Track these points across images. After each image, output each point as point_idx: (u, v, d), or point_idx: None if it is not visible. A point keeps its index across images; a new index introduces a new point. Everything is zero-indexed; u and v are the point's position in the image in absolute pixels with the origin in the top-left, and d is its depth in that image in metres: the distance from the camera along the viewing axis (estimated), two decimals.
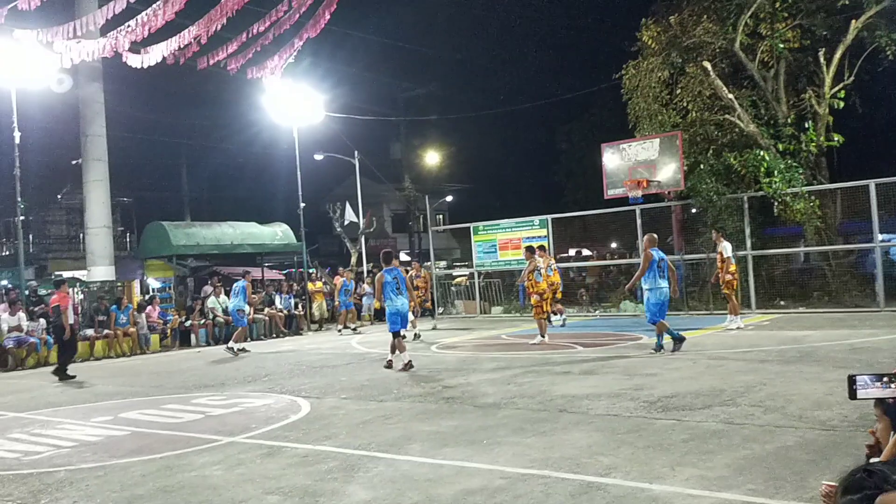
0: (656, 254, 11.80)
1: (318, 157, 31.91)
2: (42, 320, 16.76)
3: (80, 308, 18.64)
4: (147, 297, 21.29)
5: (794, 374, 8.89)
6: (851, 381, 2.83)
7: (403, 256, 39.97)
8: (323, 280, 24.07)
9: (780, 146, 18.97)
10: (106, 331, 17.54)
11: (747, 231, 18.25)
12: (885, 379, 2.80)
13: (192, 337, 19.31)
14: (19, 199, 17.69)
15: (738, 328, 14.44)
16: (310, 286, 22.83)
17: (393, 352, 11.81)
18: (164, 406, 9.63)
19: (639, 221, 19.80)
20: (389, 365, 11.70)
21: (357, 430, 7.31)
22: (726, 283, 14.87)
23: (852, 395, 2.83)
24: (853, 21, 18.31)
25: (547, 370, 10.56)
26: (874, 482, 1.74)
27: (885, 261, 16.91)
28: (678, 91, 21.13)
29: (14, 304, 16.60)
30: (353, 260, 27.44)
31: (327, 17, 12.61)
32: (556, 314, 16.58)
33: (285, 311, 21.23)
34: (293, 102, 23.17)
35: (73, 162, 22.96)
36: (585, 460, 5.66)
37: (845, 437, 5.80)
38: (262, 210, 34.22)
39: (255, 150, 39.31)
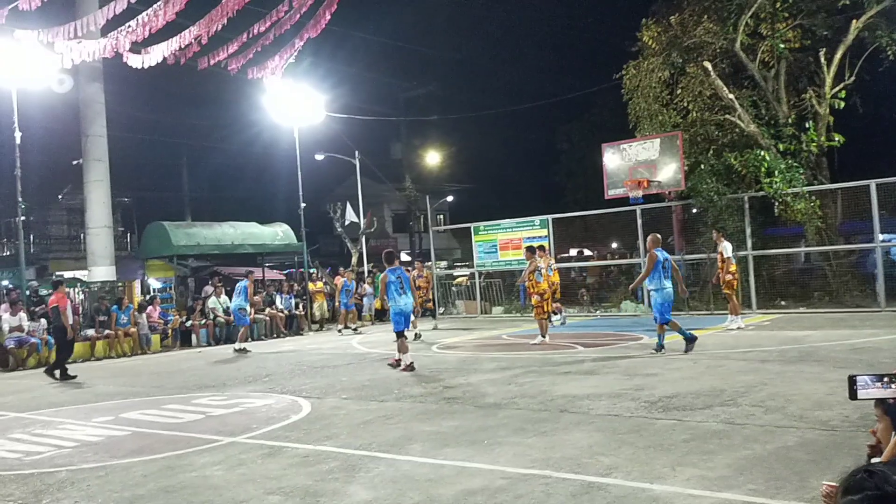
0: (661, 254, 11.79)
1: (319, 157, 31.92)
2: (43, 320, 16.77)
3: (80, 308, 18.67)
4: (148, 297, 21.30)
5: (794, 375, 8.89)
6: (852, 381, 2.83)
7: (404, 256, 39.96)
8: (324, 280, 24.07)
9: (781, 146, 18.96)
10: (107, 331, 17.55)
11: (748, 231, 18.25)
12: (886, 379, 2.80)
13: (193, 337, 19.32)
14: (20, 199, 17.69)
15: (738, 328, 14.44)
16: (310, 286, 22.83)
17: (400, 351, 11.81)
18: (165, 406, 9.64)
19: (639, 221, 19.80)
20: (397, 364, 11.65)
21: (358, 431, 7.31)
22: (727, 284, 14.88)
23: (853, 395, 2.84)
24: (854, 21, 18.31)
25: (548, 370, 10.57)
26: (875, 483, 1.74)
27: (885, 261, 16.90)
28: (679, 91, 21.13)
29: (15, 304, 16.61)
30: (354, 260, 27.44)
31: (328, 17, 12.62)
32: (555, 313, 16.58)
33: (286, 312, 21.23)
34: (294, 102, 23.18)
35: (74, 162, 22.97)
36: (586, 460, 5.66)
37: (846, 438, 5.80)
38: (262, 210, 34.25)
39: (255, 151, 39.32)
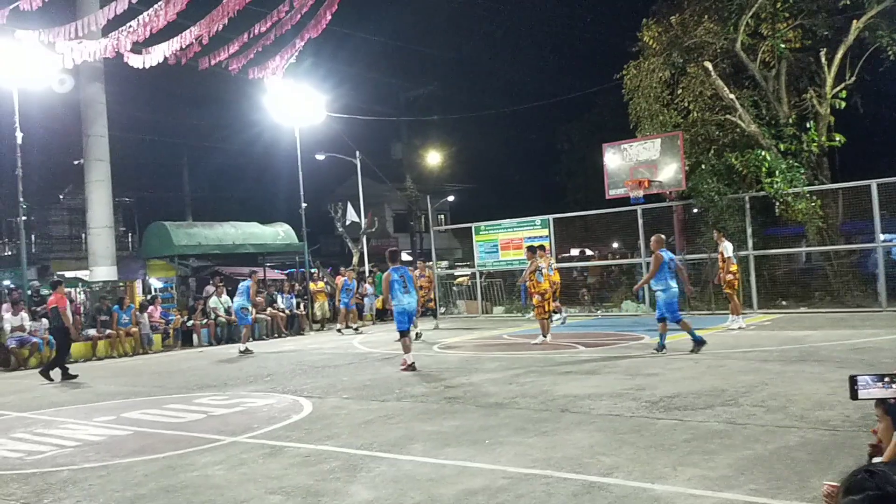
0: (666, 255, 11.79)
1: (320, 157, 31.92)
2: (45, 320, 16.75)
3: (82, 308, 18.68)
4: (149, 297, 21.31)
5: (795, 374, 8.90)
6: (853, 381, 2.84)
7: (405, 256, 39.98)
8: (325, 280, 24.08)
9: (782, 146, 18.96)
10: (108, 331, 17.57)
11: (749, 231, 18.25)
12: (887, 379, 2.80)
13: (195, 337, 19.34)
14: (22, 199, 17.70)
15: (739, 328, 14.44)
16: (311, 286, 22.84)
17: (403, 350, 11.80)
18: (166, 406, 9.65)
19: (640, 222, 19.81)
20: (408, 367, 11.63)
21: (359, 430, 7.32)
22: (727, 283, 14.89)
23: (854, 395, 2.84)
24: (854, 21, 18.30)
25: (549, 370, 10.57)
26: (876, 483, 1.74)
27: (886, 261, 16.90)
28: (679, 91, 21.13)
29: (17, 304, 16.63)
30: (355, 260, 27.43)
31: (329, 17, 12.62)
32: (555, 312, 16.59)
33: (287, 312, 21.24)
34: (295, 102, 23.19)
35: (75, 162, 23.01)
36: (587, 460, 5.67)
37: (847, 438, 5.80)
38: (263, 210, 34.28)
39: (256, 151, 39.32)
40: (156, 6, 11.60)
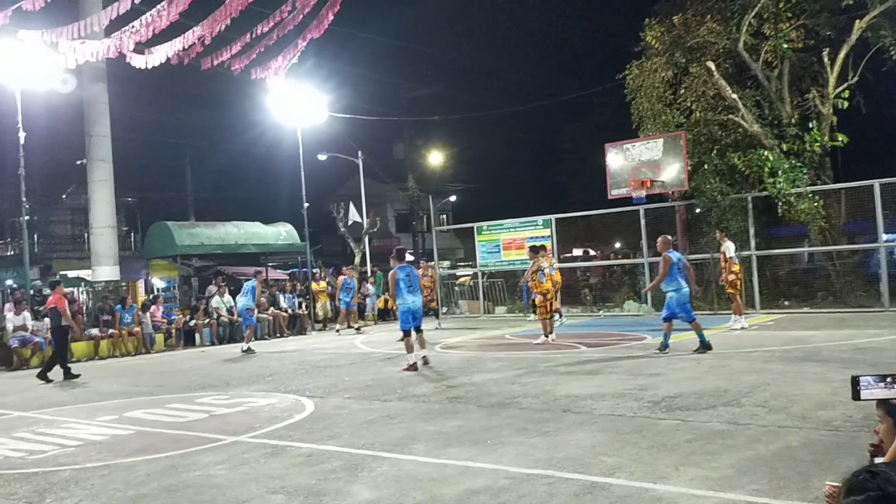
0: (674, 255, 11.79)
1: (322, 157, 31.96)
2: (47, 319, 16.79)
3: (84, 308, 18.71)
4: (151, 296, 21.34)
5: (797, 375, 8.88)
6: (855, 381, 2.83)
7: (407, 256, 39.95)
8: (326, 280, 24.10)
9: (784, 146, 18.94)
10: (111, 330, 17.59)
11: (751, 231, 18.23)
12: (889, 379, 2.80)
13: (197, 336, 19.36)
14: (24, 199, 17.73)
15: (742, 328, 14.43)
16: (313, 286, 22.85)
17: (423, 347, 11.78)
18: (168, 405, 9.66)
19: (643, 222, 19.80)
20: (426, 362, 11.59)
21: (361, 430, 7.32)
22: (730, 283, 14.88)
23: (856, 395, 2.84)
24: (857, 21, 18.28)
25: (551, 370, 10.57)
26: (877, 483, 1.74)
27: (889, 261, 16.89)
28: (682, 91, 21.12)
29: (19, 303, 16.66)
30: (357, 260, 27.49)
31: (331, 17, 12.63)
32: (555, 312, 16.58)
33: (289, 311, 21.25)
34: (297, 103, 23.22)
35: (78, 162, 23.03)
36: (589, 460, 5.66)
37: (849, 438, 5.79)
38: (266, 210, 34.29)
39: (259, 151, 39.32)
40: (158, 6, 11.61)
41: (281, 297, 21.41)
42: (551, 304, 14.34)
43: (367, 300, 23.53)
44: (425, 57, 49.33)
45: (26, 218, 18.36)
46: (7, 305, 17.27)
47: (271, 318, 20.52)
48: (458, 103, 49.26)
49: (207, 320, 19.66)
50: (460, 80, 54.57)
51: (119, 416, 9.09)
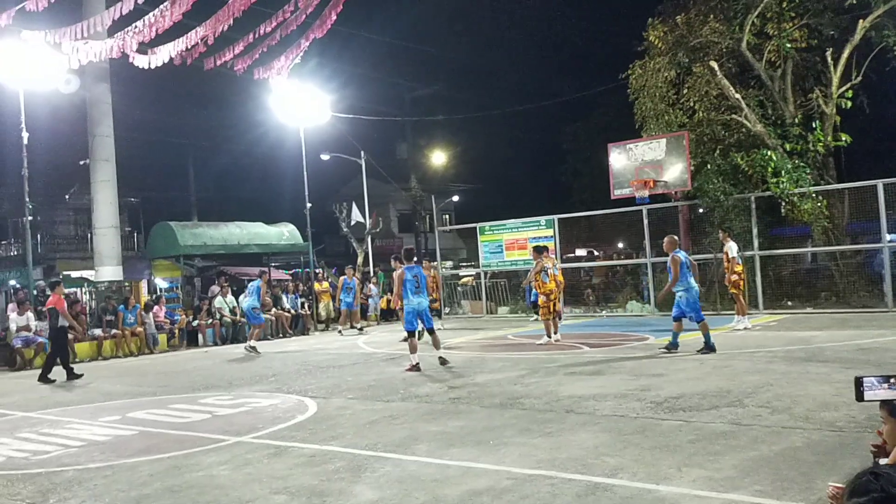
0: (681, 255, 11.78)
1: (325, 157, 31.98)
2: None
3: (87, 308, 18.74)
4: (154, 296, 21.36)
5: (801, 375, 8.87)
6: (858, 382, 2.83)
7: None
8: (329, 280, 24.11)
9: (788, 146, 18.92)
10: (114, 330, 17.61)
11: (754, 231, 18.22)
12: (893, 380, 2.80)
13: (200, 337, 19.38)
14: (27, 199, 17.75)
15: (745, 329, 14.42)
16: (316, 286, 22.86)
17: (437, 348, 11.73)
18: (171, 406, 9.66)
19: (645, 222, 19.79)
20: (442, 362, 11.55)
21: (364, 431, 7.32)
22: (732, 284, 14.86)
23: (859, 396, 2.83)
24: (861, 21, 18.26)
25: (553, 370, 10.56)
26: (881, 485, 1.74)
27: (892, 261, 16.84)
28: (685, 91, 21.11)
29: (22, 303, 16.67)
30: (360, 260, 27.49)
31: (334, 17, 12.64)
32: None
33: (292, 312, 21.26)
34: (299, 103, 23.23)
35: (81, 162, 23.07)
36: (592, 461, 5.66)
37: (853, 439, 5.78)
38: (268, 210, 34.34)
39: (261, 151, 39.39)
40: (161, 6, 11.63)
41: (284, 298, 21.41)
42: (554, 304, 14.33)
43: (370, 300, 23.53)
44: (428, 57, 49.35)
45: (29, 218, 18.39)
46: (10, 306, 17.30)
47: (274, 318, 20.53)
48: (461, 103, 49.29)
49: (210, 320, 19.67)
50: (463, 79, 54.60)
51: (122, 416, 9.10)
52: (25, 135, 17.47)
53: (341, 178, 40.91)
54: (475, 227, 23.81)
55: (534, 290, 15.96)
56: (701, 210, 20.35)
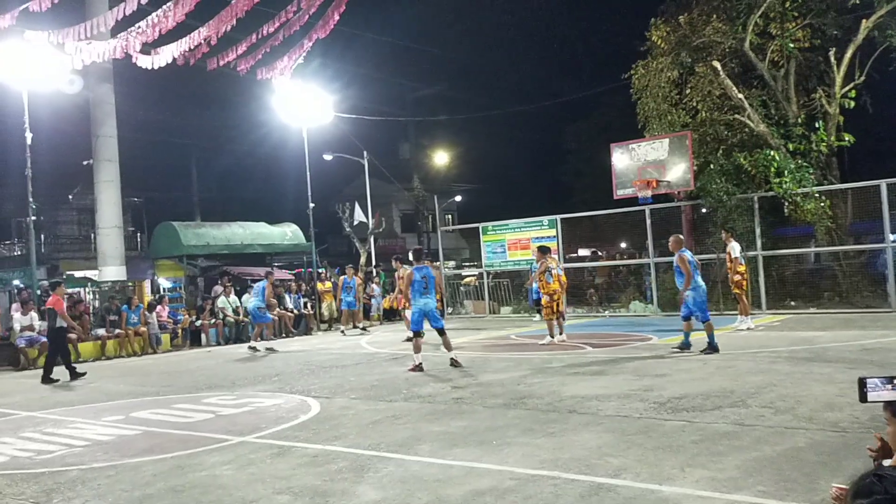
0: (688, 254, 11.77)
1: (328, 157, 32.01)
2: None
3: (91, 308, 18.76)
4: (157, 296, 21.39)
5: (804, 376, 8.86)
6: (862, 383, 2.83)
7: (411, 256, 39.89)
8: (332, 280, 24.12)
9: (791, 146, 18.90)
10: (117, 330, 17.64)
11: (758, 231, 18.19)
12: None
13: (203, 336, 19.40)
14: (31, 199, 17.79)
15: (748, 329, 14.40)
16: (319, 286, 22.87)
17: (449, 350, 11.67)
18: (174, 406, 9.68)
19: (648, 222, 19.77)
20: (453, 364, 11.45)
21: (367, 431, 7.33)
22: (735, 284, 14.85)
23: (863, 397, 2.83)
24: (864, 20, 18.23)
25: (556, 371, 10.56)
26: (884, 487, 1.74)
27: None
28: (688, 91, 21.09)
29: (26, 303, 16.70)
30: (363, 260, 27.50)
31: (336, 17, 12.65)
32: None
33: (295, 311, 21.27)
34: (302, 103, 23.24)
35: (85, 163, 23.09)
36: (595, 461, 5.66)
37: (856, 439, 5.77)
38: (271, 210, 34.37)
39: (264, 151, 39.45)
40: (164, 7, 11.64)
41: (287, 298, 21.43)
42: (557, 304, 14.33)
43: (373, 301, 23.54)
44: (430, 57, 49.41)
45: (33, 218, 18.41)
46: (14, 305, 17.34)
47: (277, 318, 20.54)
48: (464, 103, 49.36)
49: (213, 320, 19.70)
50: (466, 80, 54.65)
51: (126, 416, 9.12)
52: (29, 135, 17.51)
53: (344, 178, 40.94)
54: (478, 227, 23.81)
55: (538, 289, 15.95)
56: (704, 210, 20.33)
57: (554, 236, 21.22)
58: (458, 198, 46.26)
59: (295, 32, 13.29)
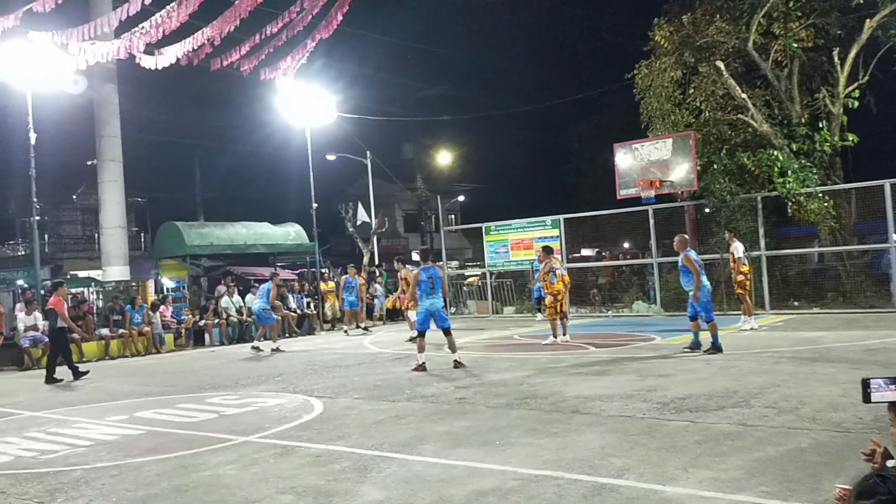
0: (693, 253, 11.76)
1: (331, 157, 32.03)
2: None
3: (94, 308, 18.79)
4: (160, 296, 21.42)
5: (807, 376, 8.85)
6: (865, 384, 2.82)
7: (415, 256, 39.99)
8: (335, 280, 24.14)
9: (794, 146, 18.87)
10: (121, 330, 17.67)
11: (761, 231, 18.17)
12: None
13: (206, 336, 19.43)
14: (35, 199, 17.82)
15: (751, 329, 14.38)
16: (322, 286, 22.89)
17: (453, 351, 11.65)
18: (178, 405, 9.70)
19: (651, 222, 19.75)
20: (456, 365, 11.45)
21: (370, 431, 7.33)
22: (738, 284, 14.83)
23: (866, 398, 2.82)
24: (867, 20, 18.20)
25: (559, 371, 10.56)
26: (888, 487, 1.75)
27: None
28: (691, 91, 21.06)
29: (30, 303, 16.74)
30: (366, 260, 27.50)
31: (339, 18, 12.68)
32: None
33: (298, 311, 21.29)
34: (306, 103, 23.26)
35: (88, 163, 23.17)
36: (598, 461, 5.66)
37: (860, 440, 5.75)
38: (274, 210, 34.40)
39: (267, 151, 39.51)
40: (168, 8, 11.67)
41: (290, 298, 21.45)
42: (561, 304, 14.32)
43: (376, 301, 23.55)
44: (434, 57, 49.47)
45: (37, 218, 18.45)
46: (18, 305, 17.38)
47: (280, 318, 20.55)
48: (467, 103, 49.42)
49: (217, 320, 19.72)
50: (469, 80, 54.70)
51: (129, 416, 9.14)
52: (33, 135, 17.55)
53: (347, 178, 41.00)
54: (481, 227, 23.81)
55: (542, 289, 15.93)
56: (707, 210, 20.30)
57: (557, 236, 21.21)
58: (461, 198, 46.26)
59: (298, 33, 13.32)
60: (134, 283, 20.39)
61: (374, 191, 30.45)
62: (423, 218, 44.53)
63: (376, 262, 28.44)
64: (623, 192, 20.31)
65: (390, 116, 39.31)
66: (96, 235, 28.51)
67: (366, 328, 20.58)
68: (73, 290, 19.36)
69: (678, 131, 20.04)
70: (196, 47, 12.91)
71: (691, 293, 11.65)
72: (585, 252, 31.42)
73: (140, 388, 11.70)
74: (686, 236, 12.32)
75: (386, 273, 26.54)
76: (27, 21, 12.82)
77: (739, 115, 19.93)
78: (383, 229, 30.47)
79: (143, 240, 36.59)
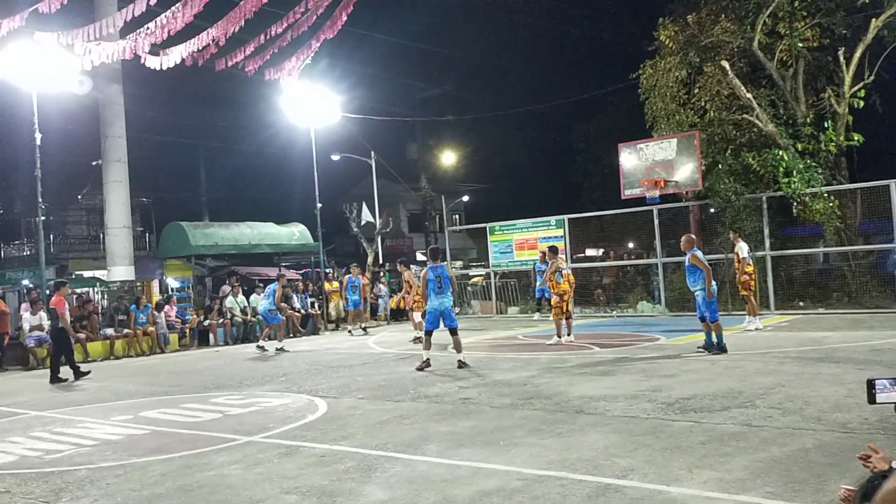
0: (700, 253, 11.73)
1: (335, 157, 32.07)
2: None
3: (99, 308, 18.84)
4: (165, 296, 21.46)
5: (812, 376, 8.83)
6: (870, 385, 2.82)
7: (420, 256, 40.07)
8: (339, 280, 24.15)
9: (799, 146, 18.83)
10: (126, 330, 17.71)
11: (766, 231, 18.14)
12: None
13: (211, 336, 19.45)
14: (40, 199, 17.87)
15: (756, 329, 14.36)
16: (326, 286, 22.90)
17: (459, 351, 11.62)
18: (183, 405, 9.71)
19: (656, 222, 19.72)
20: (461, 365, 11.41)
21: (374, 431, 7.34)
22: (742, 284, 14.80)
23: (871, 399, 2.82)
24: (873, 20, 18.15)
25: (564, 371, 10.55)
26: None
27: None
28: (696, 90, 21.02)
29: (35, 303, 16.78)
30: (370, 260, 27.54)
31: (344, 18, 12.69)
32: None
33: (302, 311, 21.31)
34: (310, 103, 23.29)
35: (94, 163, 23.23)
36: (602, 462, 5.65)
37: (865, 440, 5.70)
38: (279, 210, 34.44)
39: (272, 151, 39.56)
40: (173, 8, 11.69)
41: (294, 297, 21.47)
42: (566, 305, 14.32)
43: (380, 301, 23.55)
44: (438, 57, 49.41)
45: (42, 218, 18.51)
46: (24, 305, 17.43)
47: (285, 318, 20.57)
48: (471, 103, 49.31)
49: (221, 320, 19.75)
50: (473, 80, 54.58)
51: (134, 415, 9.15)
52: (38, 135, 17.59)
53: (352, 178, 41.01)
54: (485, 227, 23.80)
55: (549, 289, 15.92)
56: (712, 210, 20.26)
57: (561, 236, 21.19)
58: (466, 198, 46.26)
59: (303, 33, 13.34)
60: (139, 283, 20.44)
61: (378, 191, 30.47)
62: (427, 218, 44.53)
63: (380, 262, 28.46)
64: (628, 192, 20.28)
65: (395, 116, 39.31)
66: (101, 235, 28.57)
67: (364, 328, 20.49)
68: (79, 290, 19.42)
69: (683, 131, 20.01)
70: (201, 48, 12.94)
71: (698, 294, 11.61)
72: (590, 252, 31.37)
73: (144, 388, 11.73)
74: (693, 236, 12.29)
75: (389, 273, 26.57)
76: (33, 21, 12.86)
77: (744, 115, 19.89)
78: (387, 229, 30.49)
79: (147, 240, 36.66)
